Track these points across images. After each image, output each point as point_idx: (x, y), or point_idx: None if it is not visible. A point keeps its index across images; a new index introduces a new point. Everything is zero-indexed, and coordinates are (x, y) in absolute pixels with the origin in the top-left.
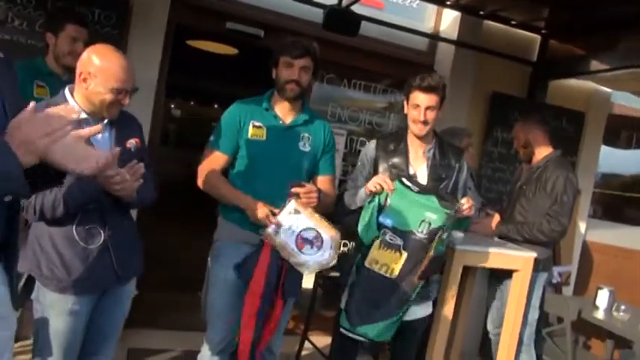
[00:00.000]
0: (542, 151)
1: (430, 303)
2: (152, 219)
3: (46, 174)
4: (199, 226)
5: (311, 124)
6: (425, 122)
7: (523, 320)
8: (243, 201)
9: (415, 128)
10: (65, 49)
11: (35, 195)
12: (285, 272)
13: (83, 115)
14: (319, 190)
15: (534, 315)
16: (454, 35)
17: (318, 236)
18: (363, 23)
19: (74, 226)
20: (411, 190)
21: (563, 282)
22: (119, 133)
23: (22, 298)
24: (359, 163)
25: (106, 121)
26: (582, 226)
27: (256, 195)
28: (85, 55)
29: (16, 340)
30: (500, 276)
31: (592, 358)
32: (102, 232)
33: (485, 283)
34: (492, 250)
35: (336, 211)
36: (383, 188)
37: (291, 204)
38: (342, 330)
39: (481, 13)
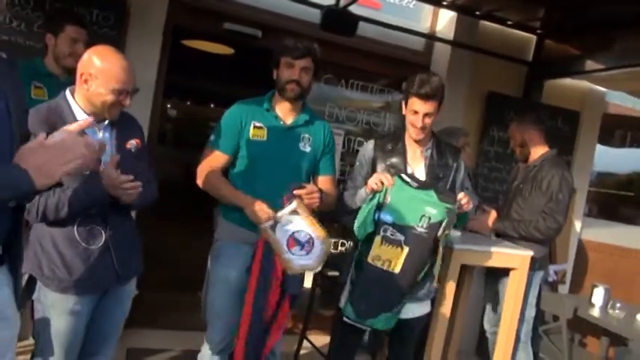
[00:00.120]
0: (538, 151)
1: (429, 302)
2: (151, 219)
3: None
4: (199, 226)
5: (311, 125)
6: (423, 128)
7: (520, 318)
8: (242, 200)
9: (413, 132)
10: (65, 51)
11: (39, 196)
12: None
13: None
14: (321, 191)
15: (531, 313)
16: (450, 35)
17: (311, 241)
18: (360, 23)
19: (75, 227)
20: (410, 185)
21: (559, 280)
22: (120, 134)
23: (23, 298)
24: (357, 164)
25: (106, 122)
26: (578, 224)
27: (256, 195)
28: (85, 56)
29: None
30: (497, 274)
31: (588, 355)
32: (103, 232)
33: (482, 282)
34: (490, 249)
35: (336, 210)
36: (384, 184)
37: (293, 204)
38: (347, 320)
39: (477, 13)
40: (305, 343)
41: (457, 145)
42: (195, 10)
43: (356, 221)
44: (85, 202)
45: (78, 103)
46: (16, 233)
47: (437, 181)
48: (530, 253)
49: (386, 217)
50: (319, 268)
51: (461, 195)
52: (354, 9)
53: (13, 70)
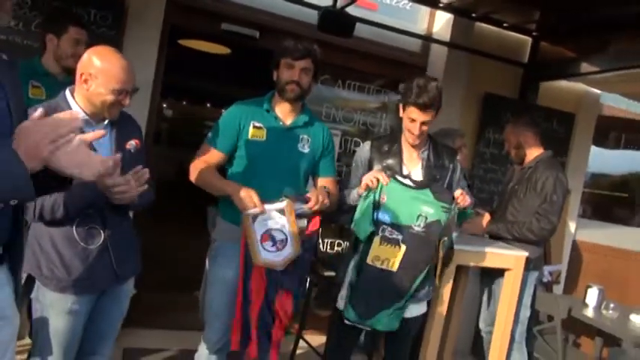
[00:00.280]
0: (534, 152)
1: (425, 302)
2: (148, 219)
3: (54, 179)
4: (196, 226)
5: (311, 126)
6: (420, 135)
7: (515, 318)
8: (231, 187)
9: (409, 138)
10: (68, 52)
11: None
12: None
13: (84, 116)
14: (325, 188)
15: (526, 313)
16: (447, 37)
17: (285, 242)
18: (358, 24)
19: (74, 227)
20: (407, 186)
21: (553, 281)
22: (119, 134)
23: (22, 298)
24: (353, 165)
25: (106, 121)
26: (572, 225)
27: None
28: (85, 56)
29: None
30: (492, 275)
31: (582, 355)
32: (102, 232)
33: (477, 282)
34: (485, 249)
35: (334, 210)
36: (379, 181)
37: (283, 203)
38: (347, 322)
39: (473, 15)
40: (301, 342)
41: (453, 147)
42: (193, 10)
43: (355, 215)
44: (79, 204)
45: (78, 103)
46: (16, 232)
47: (433, 182)
48: (525, 253)
49: (384, 217)
50: (281, 269)
51: (458, 192)
52: (351, 10)
53: (14, 70)
